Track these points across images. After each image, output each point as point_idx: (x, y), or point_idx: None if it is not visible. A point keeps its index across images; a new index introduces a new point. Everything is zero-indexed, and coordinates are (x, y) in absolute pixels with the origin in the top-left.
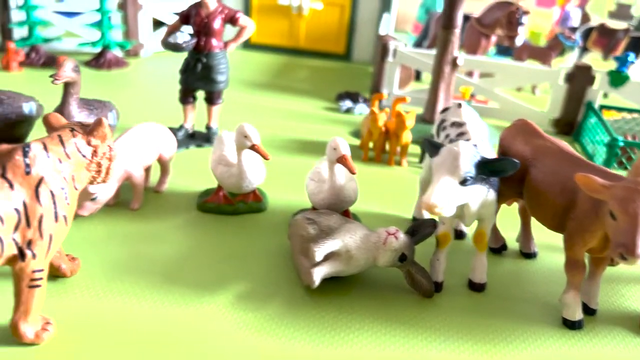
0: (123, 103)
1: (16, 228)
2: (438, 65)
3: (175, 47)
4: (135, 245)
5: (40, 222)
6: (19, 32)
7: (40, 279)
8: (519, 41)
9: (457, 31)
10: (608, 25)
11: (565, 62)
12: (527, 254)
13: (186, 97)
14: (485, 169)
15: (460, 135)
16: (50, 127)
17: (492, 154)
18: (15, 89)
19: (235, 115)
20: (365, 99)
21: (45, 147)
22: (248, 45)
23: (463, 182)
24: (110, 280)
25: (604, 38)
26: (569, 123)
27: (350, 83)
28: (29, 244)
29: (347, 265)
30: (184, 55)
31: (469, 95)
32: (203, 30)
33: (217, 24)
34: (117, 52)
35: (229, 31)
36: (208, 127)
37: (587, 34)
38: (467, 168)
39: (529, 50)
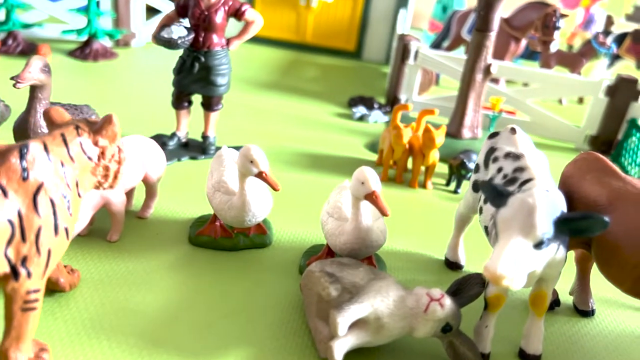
0: (107, 102)
1: (9, 242)
2: (469, 72)
3: (169, 44)
4: (112, 292)
5: (37, 235)
6: None
7: (36, 300)
8: (554, 47)
9: (493, 35)
10: None
11: (596, 70)
12: (584, 312)
13: (180, 101)
14: (567, 228)
15: (519, 171)
16: (51, 124)
17: (563, 200)
18: None
19: (236, 120)
20: (380, 105)
21: (45, 148)
22: (251, 38)
23: (538, 245)
24: (80, 343)
25: (639, 45)
26: (608, 141)
27: (363, 85)
28: (24, 260)
29: (377, 335)
30: (179, 52)
31: (499, 107)
32: (202, 25)
33: (219, 17)
34: (105, 42)
35: (232, 26)
36: (204, 137)
37: (620, 40)
38: (545, 227)
39: (558, 56)
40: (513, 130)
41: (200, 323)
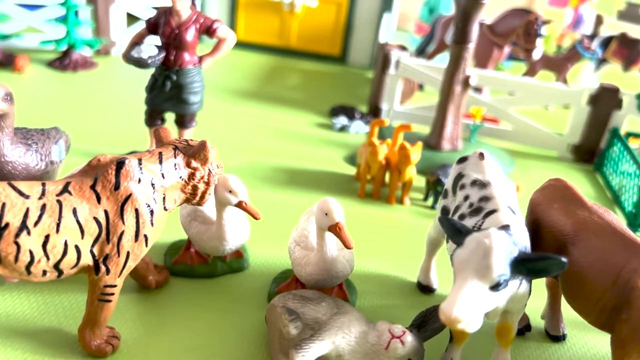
0: (85, 114)
1: (95, 241)
2: (448, 83)
3: (139, 63)
4: (75, 325)
5: (120, 238)
6: None
7: (112, 294)
8: (536, 55)
9: (471, 46)
10: (629, 35)
11: (582, 74)
12: (555, 337)
13: (153, 119)
14: (524, 268)
15: (484, 200)
16: (158, 141)
17: (525, 235)
18: None
19: (213, 133)
20: (362, 114)
21: (140, 164)
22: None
23: (495, 287)
24: None
25: (625, 48)
26: (590, 150)
27: (346, 91)
28: (105, 258)
29: None
30: (150, 70)
31: (480, 116)
32: (173, 43)
33: (190, 35)
34: (85, 52)
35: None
36: None
37: (606, 44)
38: (502, 270)
39: (543, 61)
40: (481, 156)
41: (161, 357)
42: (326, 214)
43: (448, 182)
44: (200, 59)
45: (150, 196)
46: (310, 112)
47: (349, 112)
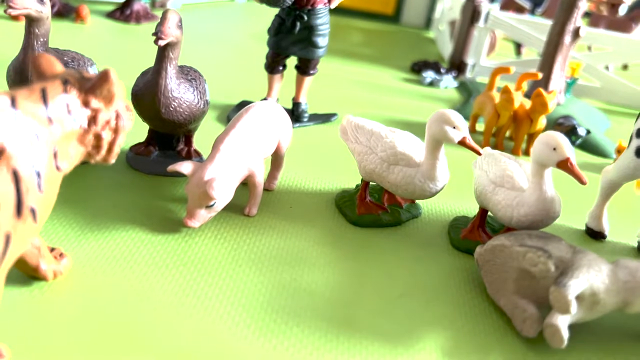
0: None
1: None
2: (557, 34)
3: (275, 1)
4: (275, 273)
5: None
6: None
7: None
8: (622, 10)
9: None
10: None
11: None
12: None
13: (276, 64)
14: None
15: None
16: (38, 74)
17: None
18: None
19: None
20: (447, 69)
21: (13, 103)
22: None
23: None
24: (267, 327)
25: None
26: None
27: (412, 49)
28: None
29: (590, 311)
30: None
31: (578, 72)
32: None
33: None
34: (145, 3)
35: None
36: (296, 103)
37: None
38: None
39: (607, 20)
40: None
41: (378, 304)
42: (554, 149)
43: (635, 129)
44: None
45: (34, 151)
46: (390, 67)
47: (434, 67)
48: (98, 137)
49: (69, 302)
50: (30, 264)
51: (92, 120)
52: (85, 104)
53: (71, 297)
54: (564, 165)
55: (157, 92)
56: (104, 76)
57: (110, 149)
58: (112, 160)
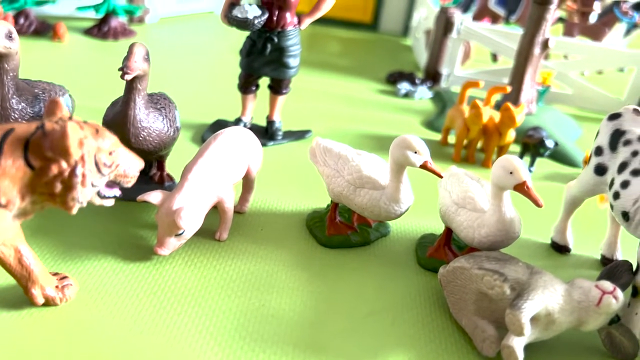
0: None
1: None
2: (527, 46)
3: (245, 24)
4: (244, 298)
5: None
6: None
7: None
8: (592, 18)
9: (553, 7)
10: None
11: (609, 38)
12: None
13: (249, 85)
14: None
15: None
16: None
17: None
18: None
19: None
20: (422, 80)
21: None
22: None
23: None
24: (234, 355)
25: None
26: None
27: (389, 59)
28: None
29: (545, 331)
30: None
31: (549, 80)
32: (277, 3)
33: None
34: (123, 19)
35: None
36: (270, 121)
37: None
38: None
39: (580, 26)
40: (637, 112)
41: (345, 324)
42: (511, 173)
43: (601, 140)
44: (299, 19)
45: None
46: (366, 78)
47: (409, 78)
48: (50, 186)
49: (39, 332)
50: (21, 286)
51: (44, 169)
52: (36, 152)
53: (41, 328)
54: (521, 188)
55: (127, 123)
56: (61, 133)
57: (63, 200)
58: (72, 211)
